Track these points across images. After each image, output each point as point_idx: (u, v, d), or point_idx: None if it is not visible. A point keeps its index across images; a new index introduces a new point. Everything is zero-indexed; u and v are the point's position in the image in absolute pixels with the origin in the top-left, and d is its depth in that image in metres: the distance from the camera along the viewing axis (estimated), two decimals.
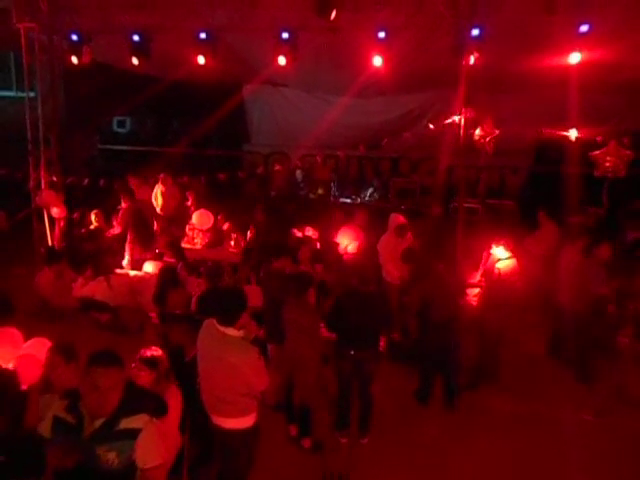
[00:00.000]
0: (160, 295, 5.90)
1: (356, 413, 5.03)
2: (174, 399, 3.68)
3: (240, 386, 3.59)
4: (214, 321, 3.70)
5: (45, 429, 2.75)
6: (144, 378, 3.58)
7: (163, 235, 8.55)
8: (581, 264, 5.90)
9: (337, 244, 7.26)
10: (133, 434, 2.65)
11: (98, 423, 2.64)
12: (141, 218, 8.35)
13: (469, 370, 5.86)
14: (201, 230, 8.76)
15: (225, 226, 8.86)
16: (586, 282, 5.76)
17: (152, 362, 3.65)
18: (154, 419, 2.77)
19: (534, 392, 5.74)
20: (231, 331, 3.63)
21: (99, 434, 2.63)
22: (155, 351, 3.72)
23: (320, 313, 4.92)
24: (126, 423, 2.65)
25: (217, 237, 8.72)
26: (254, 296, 5.44)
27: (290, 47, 7.59)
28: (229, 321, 3.62)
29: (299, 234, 7.50)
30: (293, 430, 4.97)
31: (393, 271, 6.70)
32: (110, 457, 2.61)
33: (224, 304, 3.70)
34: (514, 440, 4.96)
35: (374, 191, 12.26)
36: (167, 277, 6.02)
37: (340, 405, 5.02)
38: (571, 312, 5.88)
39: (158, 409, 3.07)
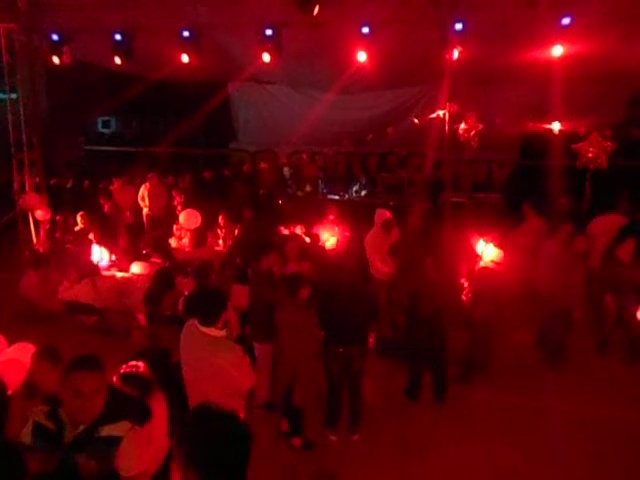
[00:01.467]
0: (154, 296, 5.83)
1: (346, 410, 5.03)
2: (159, 407, 3.64)
3: (226, 386, 3.55)
4: (195, 322, 3.66)
5: (25, 436, 2.69)
6: None
7: (150, 235, 8.51)
8: (561, 255, 5.97)
9: (318, 239, 7.27)
10: (114, 442, 2.58)
11: (79, 430, 2.58)
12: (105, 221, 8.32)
13: (460, 363, 5.88)
14: (188, 230, 8.71)
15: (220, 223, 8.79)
16: (566, 273, 5.83)
17: (134, 378, 3.59)
18: (136, 426, 2.69)
19: (525, 384, 5.77)
20: (213, 331, 3.60)
21: (79, 441, 2.57)
22: (137, 367, 3.64)
23: (313, 311, 4.90)
24: (107, 430, 2.58)
25: (202, 236, 8.66)
26: (241, 295, 5.42)
27: (274, 44, 7.56)
28: (210, 321, 3.59)
29: (286, 231, 7.49)
30: (284, 425, 4.94)
31: (380, 267, 6.71)
32: (89, 465, 2.55)
33: (204, 305, 3.68)
34: (506, 433, 4.98)
35: (362, 187, 12.27)
36: (163, 279, 5.95)
37: (330, 402, 5.02)
38: (553, 303, 5.94)
39: (141, 415, 2.97)
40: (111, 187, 9.31)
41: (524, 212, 7.40)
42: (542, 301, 6.29)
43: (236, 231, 8.28)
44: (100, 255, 7.88)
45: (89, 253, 7.84)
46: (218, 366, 3.52)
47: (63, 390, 2.57)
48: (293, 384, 4.73)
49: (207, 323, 3.59)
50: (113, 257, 7.98)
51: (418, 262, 5.56)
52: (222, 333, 3.63)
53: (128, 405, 2.82)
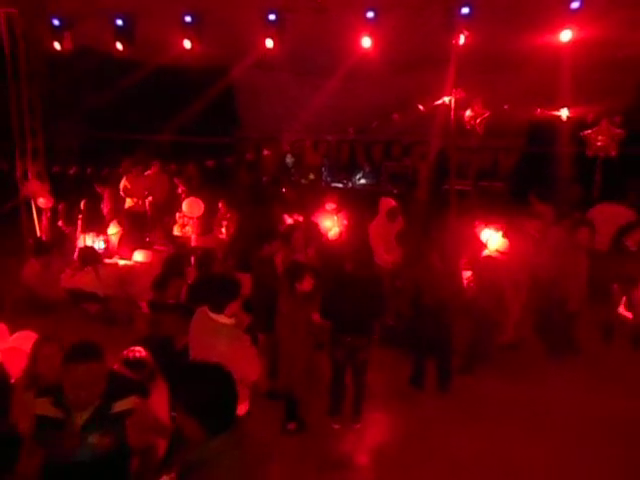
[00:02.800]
0: (161, 282, 5.76)
1: (350, 399, 5.01)
2: (161, 394, 3.62)
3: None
4: (206, 309, 3.69)
5: (27, 429, 2.69)
6: None
7: (155, 223, 8.50)
8: (565, 243, 5.90)
9: (318, 227, 7.21)
10: (125, 415, 2.67)
11: (88, 412, 2.62)
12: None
13: (463, 353, 5.84)
14: (191, 218, 8.67)
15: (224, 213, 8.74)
16: (568, 262, 5.76)
17: (136, 364, 3.58)
18: (143, 400, 2.81)
19: (529, 373, 5.74)
20: (223, 319, 3.62)
21: (92, 422, 2.61)
22: (138, 352, 3.63)
23: (313, 304, 4.85)
24: (118, 407, 2.67)
25: (207, 225, 8.64)
26: (244, 283, 5.38)
27: (277, 29, 7.45)
28: (219, 307, 3.61)
29: (290, 220, 7.44)
30: (292, 425, 4.89)
31: (384, 255, 6.65)
32: (106, 442, 2.60)
33: (214, 290, 3.71)
34: (510, 423, 4.95)
35: (365, 175, 12.18)
36: (174, 266, 5.84)
37: (333, 391, 5.00)
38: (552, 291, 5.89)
39: (143, 392, 3.10)
40: (121, 172, 9.28)
41: (530, 200, 7.32)
42: (542, 289, 6.25)
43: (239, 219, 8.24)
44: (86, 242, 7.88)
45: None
46: (223, 354, 3.49)
47: (64, 381, 2.58)
48: (290, 375, 4.70)
49: (215, 309, 3.61)
50: (102, 244, 7.95)
51: (424, 252, 5.49)
52: (231, 321, 3.64)
53: (130, 384, 2.94)
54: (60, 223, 8.70)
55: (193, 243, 8.25)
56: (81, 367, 2.54)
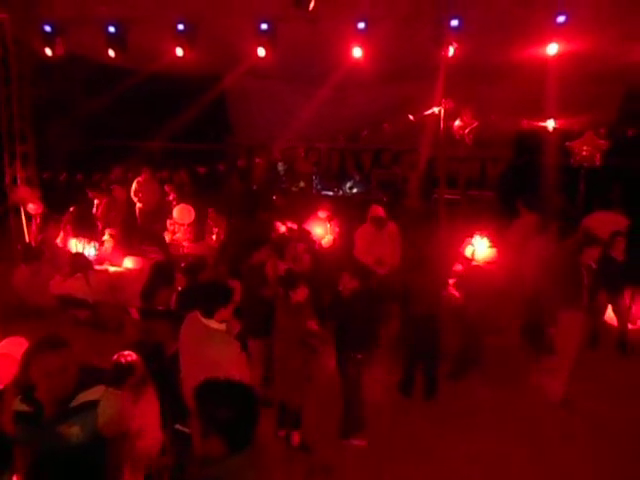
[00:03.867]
0: (149, 291, 5.72)
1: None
2: (150, 401, 3.64)
3: None
4: (197, 314, 3.71)
5: (7, 425, 2.78)
6: None
7: (146, 230, 8.49)
8: (549, 253, 6.00)
9: (310, 235, 7.25)
10: (91, 405, 2.72)
11: (55, 405, 2.69)
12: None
13: (452, 359, 5.90)
14: (182, 225, 8.68)
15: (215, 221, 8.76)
16: (556, 272, 5.85)
17: (127, 369, 3.59)
18: (110, 388, 2.84)
19: (517, 380, 5.81)
20: (213, 323, 3.64)
21: (58, 413, 2.68)
22: (129, 356, 3.65)
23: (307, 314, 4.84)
24: (83, 397, 2.72)
25: (199, 231, 8.66)
26: (235, 290, 5.40)
27: (269, 38, 7.52)
28: (209, 312, 3.63)
29: (282, 227, 7.47)
30: (295, 439, 4.85)
31: (366, 261, 6.69)
32: (74, 431, 2.66)
33: (205, 296, 3.76)
34: (498, 429, 5.01)
35: (355, 183, 12.26)
36: (161, 273, 5.73)
37: (351, 409, 4.86)
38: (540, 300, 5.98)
39: (115, 380, 3.19)
40: (112, 179, 9.34)
41: (518, 209, 7.43)
42: (528, 298, 6.35)
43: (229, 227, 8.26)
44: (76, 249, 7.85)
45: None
46: (213, 359, 3.53)
47: (33, 373, 2.66)
48: (284, 383, 4.71)
49: (206, 314, 3.64)
50: (92, 251, 7.93)
51: (423, 262, 5.53)
52: (222, 327, 3.65)
53: (100, 374, 3.04)
54: (49, 229, 8.65)
55: (184, 250, 8.25)
56: (48, 356, 2.61)
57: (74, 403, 2.69)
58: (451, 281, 6.52)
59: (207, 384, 2.30)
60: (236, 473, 2.12)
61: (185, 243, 8.51)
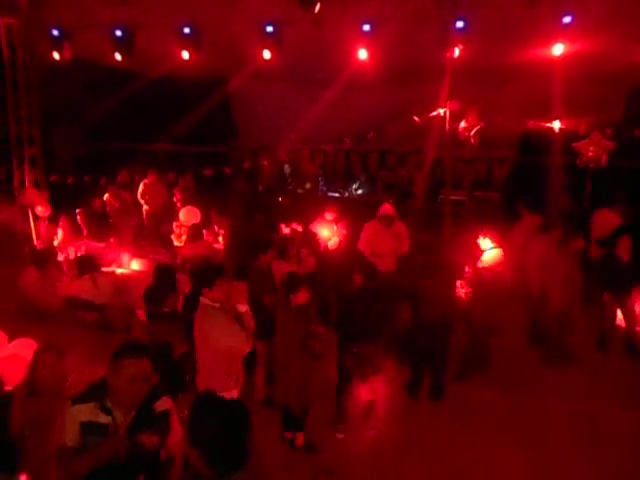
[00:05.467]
0: (156, 297, 5.74)
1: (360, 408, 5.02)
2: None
3: (220, 356, 3.84)
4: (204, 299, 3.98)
5: (72, 439, 2.66)
6: None
7: (152, 232, 8.52)
8: (555, 255, 5.98)
9: (316, 236, 7.26)
10: (167, 415, 2.78)
11: (132, 412, 2.67)
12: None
13: (458, 361, 5.89)
14: (188, 227, 8.70)
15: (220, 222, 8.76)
16: (561, 273, 5.83)
17: None
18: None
19: (523, 382, 5.78)
20: (206, 300, 3.93)
21: (139, 422, 2.66)
22: None
23: (313, 310, 4.85)
24: (159, 406, 2.75)
25: (196, 232, 8.60)
26: (241, 292, 5.41)
27: (275, 41, 7.56)
28: (209, 283, 3.93)
29: (286, 229, 7.49)
30: (299, 440, 4.88)
31: (366, 253, 6.71)
32: (154, 440, 2.64)
33: (204, 270, 4.25)
34: (504, 431, 4.98)
35: (361, 185, 12.26)
36: (165, 278, 5.76)
37: (340, 399, 4.98)
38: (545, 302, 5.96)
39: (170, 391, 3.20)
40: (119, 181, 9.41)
41: (520, 211, 7.41)
42: (533, 300, 6.33)
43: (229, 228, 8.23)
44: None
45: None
46: (203, 330, 3.86)
47: (115, 378, 2.62)
48: (285, 385, 4.72)
49: (204, 286, 3.94)
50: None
51: (435, 267, 5.52)
52: (214, 304, 3.90)
53: (158, 385, 2.99)
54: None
55: (182, 251, 8.17)
56: (135, 361, 2.61)
57: (154, 411, 2.69)
58: (458, 283, 6.54)
59: (200, 399, 2.30)
60: None
61: (178, 243, 8.44)
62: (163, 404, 2.77)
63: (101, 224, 8.96)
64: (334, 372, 5.09)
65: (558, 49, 6.84)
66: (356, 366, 4.88)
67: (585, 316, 6.46)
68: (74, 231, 8.27)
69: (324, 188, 12.34)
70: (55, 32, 8.10)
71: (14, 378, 3.81)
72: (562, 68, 7.14)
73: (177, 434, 2.81)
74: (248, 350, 4.02)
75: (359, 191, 12.23)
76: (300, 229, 7.44)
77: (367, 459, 4.68)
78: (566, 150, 8.07)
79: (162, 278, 5.69)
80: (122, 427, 2.63)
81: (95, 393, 2.68)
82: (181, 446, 2.78)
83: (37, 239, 8.71)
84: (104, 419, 2.63)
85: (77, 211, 8.80)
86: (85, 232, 8.66)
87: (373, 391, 5.04)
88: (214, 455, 2.03)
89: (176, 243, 8.47)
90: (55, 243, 8.21)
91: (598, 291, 6.46)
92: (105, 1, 7.74)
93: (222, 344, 3.86)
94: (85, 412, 2.65)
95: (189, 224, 8.70)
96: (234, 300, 4.02)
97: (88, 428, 2.63)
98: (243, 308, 4.06)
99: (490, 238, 6.11)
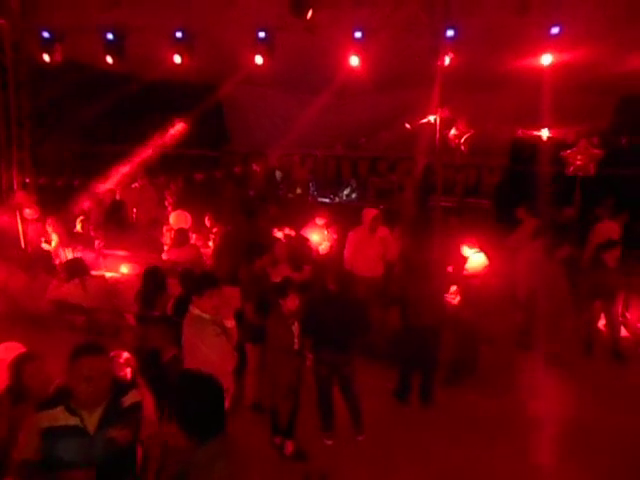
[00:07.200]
0: (147, 298, 5.71)
1: (345, 414, 5.02)
2: (146, 407, 3.64)
3: (205, 364, 3.60)
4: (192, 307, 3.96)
5: (29, 450, 2.64)
6: None
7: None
8: (542, 262, 6.05)
9: (308, 241, 7.26)
10: (137, 408, 2.78)
11: (99, 410, 2.65)
12: None
13: (447, 366, 5.92)
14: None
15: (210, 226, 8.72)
16: (546, 280, 5.90)
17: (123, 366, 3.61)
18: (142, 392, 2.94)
19: (512, 387, 5.80)
20: (195, 310, 3.89)
21: (108, 418, 2.65)
22: (120, 356, 3.68)
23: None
24: (126, 400, 2.74)
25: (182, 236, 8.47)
26: (233, 297, 5.41)
27: (267, 47, 7.59)
28: (199, 292, 3.90)
29: (279, 234, 7.48)
30: (289, 448, 4.85)
31: (362, 264, 6.72)
32: (125, 434, 2.65)
33: (194, 278, 4.23)
34: (494, 436, 5.01)
35: (352, 191, 12.30)
36: (154, 280, 5.73)
37: (321, 407, 4.99)
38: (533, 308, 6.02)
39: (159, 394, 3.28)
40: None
41: (519, 216, 7.46)
42: (521, 304, 6.39)
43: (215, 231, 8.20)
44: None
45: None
46: (195, 345, 3.80)
47: (72, 378, 2.60)
48: (274, 390, 4.70)
49: (196, 294, 3.91)
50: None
51: (424, 272, 5.54)
52: (203, 315, 3.86)
53: (126, 381, 3.11)
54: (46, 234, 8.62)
55: (166, 255, 8.04)
56: (90, 359, 2.59)
57: (123, 406, 2.70)
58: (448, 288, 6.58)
59: (181, 376, 2.46)
60: (207, 464, 2.17)
61: (166, 247, 8.37)
62: (131, 398, 2.76)
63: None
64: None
65: (547, 59, 6.94)
66: (331, 373, 4.87)
67: (573, 322, 6.52)
68: (69, 235, 8.17)
69: (315, 193, 12.36)
70: (46, 34, 8.06)
71: (1, 383, 3.76)
72: (551, 77, 7.23)
73: (150, 425, 2.85)
74: (233, 366, 4.04)
75: (350, 196, 12.27)
76: (292, 234, 7.45)
77: (357, 465, 4.69)
78: (555, 158, 8.16)
79: (151, 280, 5.67)
80: (91, 425, 2.62)
81: (62, 396, 2.67)
82: (158, 437, 2.84)
83: (25, 242, 8.63)
84: (72, 421, 2.61)
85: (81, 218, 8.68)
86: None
87: (360, 397, 5.03)
88: (196, 424, 2.22)
89: (166, 247, 8.42)
90: (50, 246, 8.11)
91: (587, 298, 6.54)
92: (97, 4, 7.72)
93: (211, 359, 3.79)
94: (49, 418, 2.62)
95: (177, 228, 8.63)
96: (223, 314, 4.02)
97: (51, 434, 2.60)
98: (230, 324, 4.06)
99: (473, 245, 6.16)
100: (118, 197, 9.19)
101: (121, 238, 8.91)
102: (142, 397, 2.85)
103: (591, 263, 6.73)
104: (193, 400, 2.25)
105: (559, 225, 7.34)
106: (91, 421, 2.63)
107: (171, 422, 2.23)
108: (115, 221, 8.92)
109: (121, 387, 2.80)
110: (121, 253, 7.92)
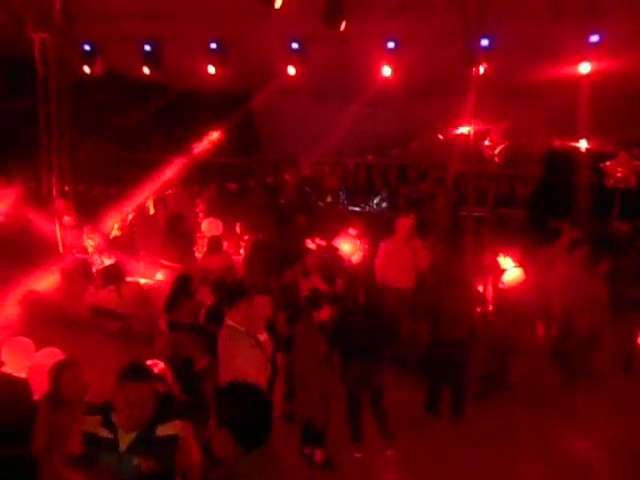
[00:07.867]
0: (171, 303, 5.87)
1: (374, 426, 4.99)
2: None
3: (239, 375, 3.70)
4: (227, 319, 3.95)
5: (75, 447, 2.71)
6: None
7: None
8: (580, 275, 5.89)
9: (338, 251, 7.25)
10: (170, 440, 2.69)
11: (134, 434, 2.65)
12: None
13: (478, 379, 5.82)
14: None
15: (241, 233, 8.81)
16: (586, 294, 5.74)
17: (158, 377, 3.65)
18: (186, 423, 2.81)
19: (544, 401, 5.69)
20: (230, 321, 3.89)
21: (137, 444, 2.64)
22: (156, 366, 3.73)
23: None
24: (162, 431, 2.68)
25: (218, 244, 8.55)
26: (264, 305, 5.45)
27: (300, 57, 7.65)
28: (230, 303, 3.90)
29: (312, 245, 7.47)
30: (318, 455, 4.86)
31: (394, 275, 6.67)
32: (149, 465, 2.62)
33: (225, 289, 4.23)
34: (525, 452, 4.92)
35: (382, 199, 12.26)
36: (181, 286, 5.93)
37: (350, 418, 4.97)
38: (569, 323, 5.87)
39: (187, 412, 3.16)
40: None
41: (558, 227, 7.28)
42: (556, 320, 6.24)
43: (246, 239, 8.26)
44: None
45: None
46: (232, 355, 3.79)
47: (116, 399, 2.62)
48: (305, 401, 4.71)
49: (227, 306, 3.92)
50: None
51: (454, 283, 5.49)
52: (238, 326, 3.86)
53: (174, 406, 3.02)
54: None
55: (200, 263, 8.15)
56: (135, 385, 2.59)
57: (154, 436, 2.66)
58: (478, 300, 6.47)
59: (226, 385, 2.40)
60: (247, 473, 2.17)
61: (199, 255, 8.48)
62: (169, 429, 2.69)
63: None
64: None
65: (585, 67, 6.79)
66: (359, 383, 4.84)
67: (612, 336, 6.33)
68: (106, 241, 8.35)
69: (345, 202, 12.36)
70: (87, 47, 8.32)
71: (41, 388, 3.87)
72: (589, 86, 7.08)
73: (191, 455, 2.75)
74: (266, 378, 4.05)
75: (381, 205, 12.22)
76: (324, 244, 7.45)
77: (387, 476, 4.65)
78: (593, 169, 7.96)
79: (178, 286, 5.83)
80: (124, 444, 2.63)
81: (105, 407, 2.71)
82: (199, 468, 2.75)
83: (63, 248, 8.85)
84: (105, 434, 2.64)
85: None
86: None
87: (389, 409, 4.99)
88: (248, 432, 2.22)
89: (198, 254, 8.54)
90: (87, 253, 8.32)
91: (627, 312, 6.35)
92: (134, 16, 7.91)
93: (246, 371, 3.74)
94: (90, 423, 2.69)
95: (210, 235, 8.75)
96: (255, 328, 4.05)
97: (89, 439, 2.66)
98: (263, 337, 4.10)
99: (511, 257, 6.05)
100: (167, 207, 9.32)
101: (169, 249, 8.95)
102: (183, 429, 2.76)
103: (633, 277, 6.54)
104: (250, 407, 2.25)
105: (601, 238, 7.13)
106: (125, 440, 2.64)
107: (220, 430, 2.20)
108: (177, 235, 8.91)
109: (164, 414, 2.73)
110: (164, 263, 8.01)
